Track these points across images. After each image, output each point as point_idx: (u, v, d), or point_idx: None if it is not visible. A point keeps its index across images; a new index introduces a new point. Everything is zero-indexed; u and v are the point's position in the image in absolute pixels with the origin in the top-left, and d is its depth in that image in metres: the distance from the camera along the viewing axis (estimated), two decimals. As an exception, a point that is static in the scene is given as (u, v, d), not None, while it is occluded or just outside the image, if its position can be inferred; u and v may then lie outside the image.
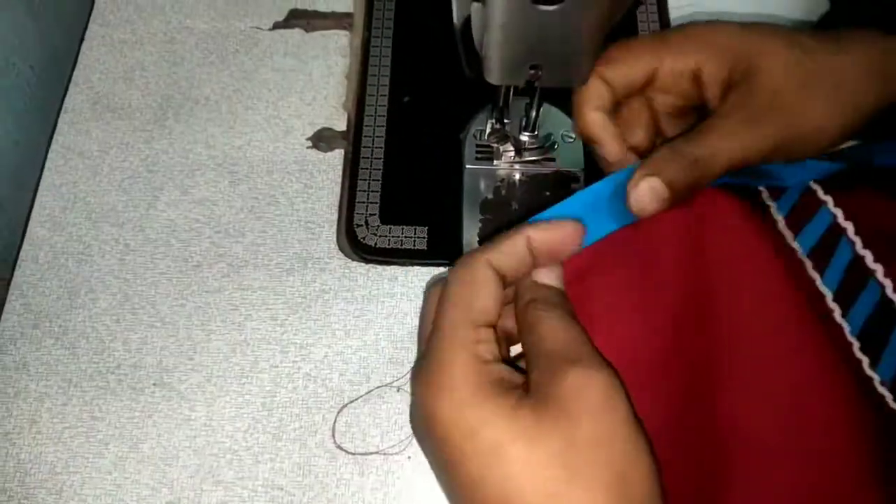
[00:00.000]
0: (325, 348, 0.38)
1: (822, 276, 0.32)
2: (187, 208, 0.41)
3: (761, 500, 0.29)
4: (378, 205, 0.42)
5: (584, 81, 0.33)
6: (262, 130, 0.44)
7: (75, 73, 0.46)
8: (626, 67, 0.32)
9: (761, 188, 0.34)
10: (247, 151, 0.43)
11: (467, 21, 0.33)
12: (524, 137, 0.42)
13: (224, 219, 0.41)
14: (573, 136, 0.43)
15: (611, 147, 0.33)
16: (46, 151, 0.43)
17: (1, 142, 0.44)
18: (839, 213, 0.32)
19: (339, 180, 0.42)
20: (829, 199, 0.33)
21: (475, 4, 0.31)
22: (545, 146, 0.42)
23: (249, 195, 0.42)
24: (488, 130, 0.41)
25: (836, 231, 0.32)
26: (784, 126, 0.30)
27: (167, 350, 0.38)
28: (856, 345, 0.31)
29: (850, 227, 0.32)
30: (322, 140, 0.44)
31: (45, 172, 0.43)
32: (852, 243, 0.32)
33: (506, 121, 0.40)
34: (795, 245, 0.33)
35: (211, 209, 0.41)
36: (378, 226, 0.41)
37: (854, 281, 0.31)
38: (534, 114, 0.40)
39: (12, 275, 0.40)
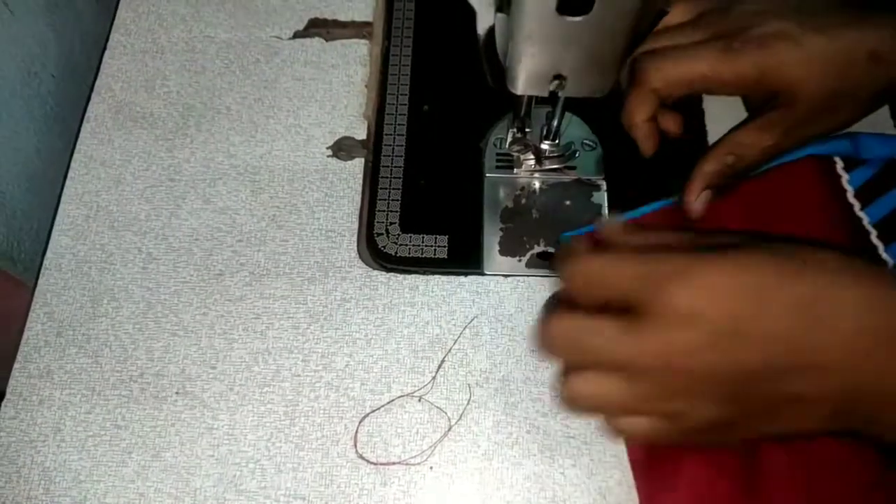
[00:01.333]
0: (347, 357, 0.38)
1: (885, 245, 0.36)
2: (209, 217, 0.42)
3: None
4: (398, 213, 0.42)
5: (606, 91, 0.33)
6: (283, 139, 0.44)
7: (97, 82, 0.46)
8: (683, 70, 0.36)
9: (836, 159, 0.38)
10: (268, 160, 0.43)
11: (491, 31, 0.33)
12: (545, 146, 0.42)
13: (246, 227, 0.41)
14: (593, 144, 0.43)
15: (647, 147, 0.39)
16: (69, 160, 0.44)
17: (23, 150, 0.44)
18: None
19: (360, 189, 0.43)
20: None
21: (500, 15, 0.31)
22: (566, 154, 0.42)
23: (271, 204, 0.42)
24: (509, 139, 0.41)
25: None
26: (816, 132, 0.36)
27: (189, 359, 0.38)
28: None
29: None
30: (342, 149, 0.44)
31: (68, 181, 0.43)
32: None
33: (527, 130, 0.40)
34: (861, 214, 0.37)
35: (233, 218, 0.42)
36: (398, 234, 0.41)
37: None
38: (555, 123, 0.40)
39: (36, 283, 0.40)
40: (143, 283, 0.40)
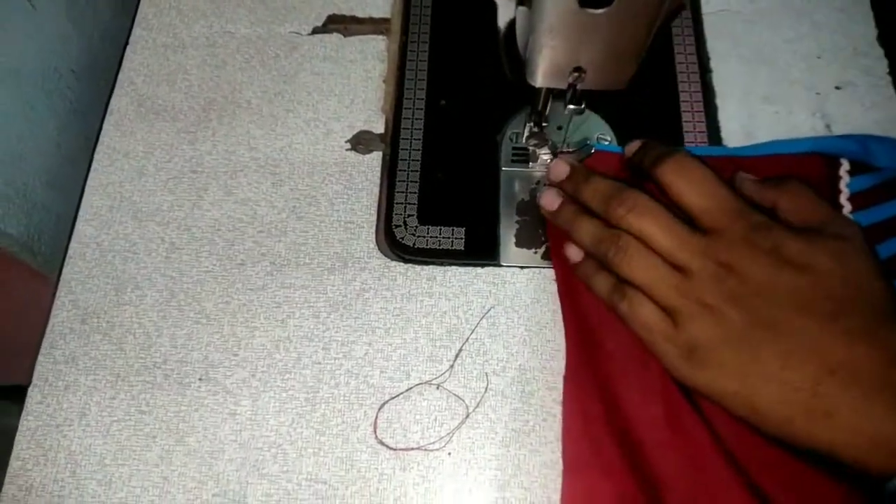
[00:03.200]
0: (366, 346, 0.39)
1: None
2: (231, 208, 0.42)
3: None
4: (416, 206, 0.42)
5: (624, 84, 0.34)
6: (303, 133, 0.45)
7: (119, 76, 0.47)
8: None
9: (842, 160, 0.38)
10: (288, 153, 0.44)
11: (511, 24, 0.33)
12: (560, 140, 0.42)
13: (267, 218, 0.42)
14: (608, 138, 0.44)
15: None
16: (92, 154, 0.45)
17: (43, 145, 0.45)
18: None
19: (378, 182, 0.43)
20: None
21: (521, 8, 0.31)
22: (581, 149, 0.42)
23: (291, 196, 0.43)
24: (526, 133, 0.42)
25: None
26: None
27: (212, 346, 0.39)
28: None
29: None
30: (361, 142, 0.45)
31: (92, 173, 0.44)
32: None
33: (544, 125, 0.40)
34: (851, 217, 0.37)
35: (254, 209, 0.42)
36: (416, 226, 0.42)
37: None
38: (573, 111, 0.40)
39: (61, 272, 0.41)
40: (166, 271, 0.41)
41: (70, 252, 0.41)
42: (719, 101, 0.45)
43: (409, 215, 0.42)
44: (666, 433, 0.34)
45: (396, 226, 0.42)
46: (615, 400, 0.35)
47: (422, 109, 0.45)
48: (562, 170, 0.39)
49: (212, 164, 0.44)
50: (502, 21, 0.33)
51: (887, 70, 0.46)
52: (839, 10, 0.48)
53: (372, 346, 0.39)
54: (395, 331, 0.39)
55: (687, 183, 0.34)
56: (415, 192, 0.43)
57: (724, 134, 0.44)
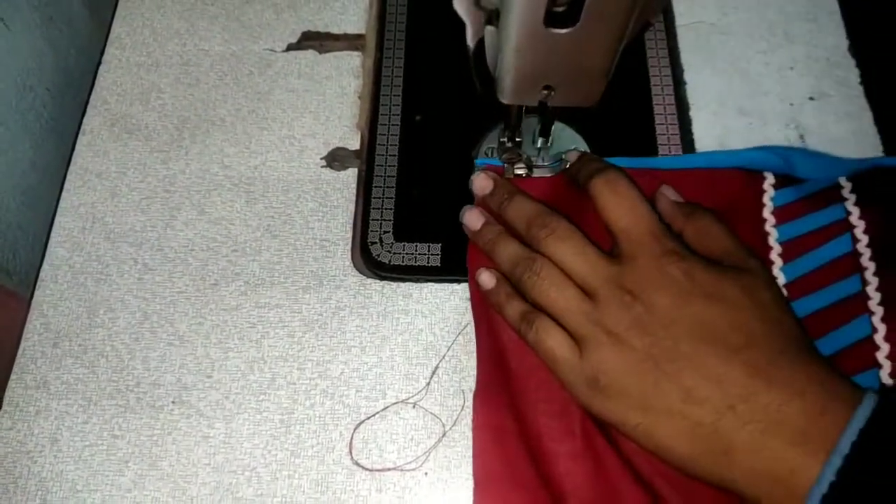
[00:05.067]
0: (342, 365, 0.38)
1: (783, 263, 0.37)
2: (204, 227, 0.42)
3: None
4: (392, 222, 0.42)
5: (596, 101, 0.34)
6: (277, 150, 0.45)
7: (93, 95, 0.47)
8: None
9: (766, 174, 0.38)
10: (262, 171, 0.44)
11: (480, 43, 0.33)
12: (535, 155, 0.42)
13: (241, 237, 0.42)
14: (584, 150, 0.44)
15: None
16: (65, 173, 0.44)
17: (18, 164, 0.45)
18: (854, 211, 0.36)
19: (354, 198, 0.43)
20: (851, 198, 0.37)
21: (489, 27, 0.31)
22: (556, 163, 0.42)
23: (265, 214, 0.42)
24: (500, 148, 0.42)
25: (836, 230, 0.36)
26: None
27: (186, 368, 0.38)
28: None
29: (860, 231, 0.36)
30: (336, 159, 0.44)
31: (64, 193, 0.43)
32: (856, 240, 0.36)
33: (517, 140, 0.40)
34: (771, 230, 0.37)
35: (228, 228, 0.42)
36: (392, 243, 0.42)
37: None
38: (543, 131, 0.40)
39: (32, 295, 0.41)
40: (139, 293, 0.40)
41: (42, 275, 0.41)
42: (693, 114, 0.45)
43: (384, 232, 0.42)
44: (576, 447, 0.34)
45: (372, 243, 0.42)
46: (525, 416, 0.35)
47: (397, 125, 0.45)
48: (485, 184, 0.39)
49: (185, 184, 0.43)
50: (471, 40, 0.33)
51: (859, 80, 0.46)
52: (811, 21, 0.48)
53: (347, 365, 0.38)
54: (371, 349, 0.39)
55: (612, 200, 0.34)
56: (390, 209, 0.43)
57: (698, 146, 0.44)
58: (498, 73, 0.33)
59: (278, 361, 0.38)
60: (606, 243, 0.35)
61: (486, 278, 0.37)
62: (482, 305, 0.38)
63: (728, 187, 0.39)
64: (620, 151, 0.42)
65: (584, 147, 0.44)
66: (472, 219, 0.39)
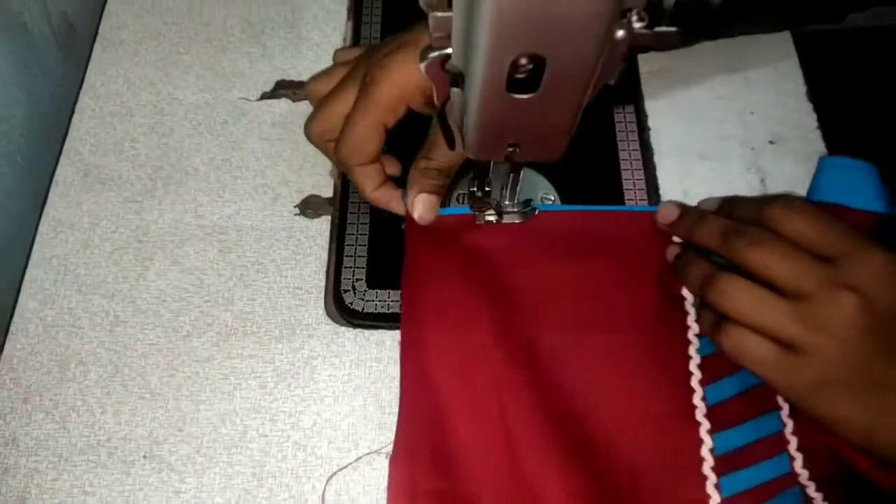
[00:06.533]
0: (314, 416, 0.39)
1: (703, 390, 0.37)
2: (177, 278, 0.42)
3: None
4: (365, 269, 0.43)
5: (560, 155, 0.35)
6: (251, 199, 0.45)
7: (66, 145, 0.47)
8: (376, 143, 0.39)
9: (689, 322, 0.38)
10: (235, 220, 0.44)
11: (447, 102, 0.34)
12: (505, 202, 0.43)
13: (213, 287, 0.42)
14: (552, 197, 0.45)
15: (398, 206, 0.41)
16: (37, 224, 0.44)
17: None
18: None
19: (327, 246, 0.44)
20: None
21: (454, 89, 0.32)
22: (525, 210, 0.43)
23: (238, 263, 0.43)
24: (470, 197, 0.42)
25: None
26: None
27: (157, 422, 0.38)
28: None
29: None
30: (309, 206, 0.45)
31: (36, 245, 0.43)
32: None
33: (487, 189, 0.41)
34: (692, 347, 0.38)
35: (200, 278, 0.42)
36: (365, 290, 0.42)
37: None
38: (511, 183, 0.41)
39: (2, 349, 0.40)
40: (111, 346, 0.40)
41: (12, 328, 0.41)
42: (657, 159, 0.46)
43: (357, 279, 0.42)
44: (505, 483, 0.34)
45: (345, 290, 0.42)
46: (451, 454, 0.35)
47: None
48: (671, 212, 0.40)
49: (158, 233, 0.44)
50: (438, 99, 0.34)
51: (816, 124, 0.48)
52: (770, 66, 0.50)
53: (320, 416, 0.39)
54: (344, 398, 0.39)
55: (802, 218, 0.34)
56: (363, 256, 0.43)
57: (662, 191, 0.45)
58: (465, 131, 0.33)
59: (250, 413, 0.39)
60: (593, 280, 0.36)
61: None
62: (413, 340, 0.38)
63: (636, 228, 0.40)
64: (587, 197, 0.43)
65: (552, 194, 0.45)
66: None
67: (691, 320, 0.38)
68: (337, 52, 0.47)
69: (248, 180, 0.46)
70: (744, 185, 0.45)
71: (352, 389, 0.39)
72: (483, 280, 0.39)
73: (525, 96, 0.29)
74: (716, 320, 0.35)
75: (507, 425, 0.35)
